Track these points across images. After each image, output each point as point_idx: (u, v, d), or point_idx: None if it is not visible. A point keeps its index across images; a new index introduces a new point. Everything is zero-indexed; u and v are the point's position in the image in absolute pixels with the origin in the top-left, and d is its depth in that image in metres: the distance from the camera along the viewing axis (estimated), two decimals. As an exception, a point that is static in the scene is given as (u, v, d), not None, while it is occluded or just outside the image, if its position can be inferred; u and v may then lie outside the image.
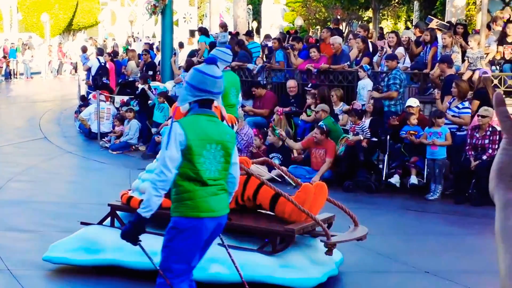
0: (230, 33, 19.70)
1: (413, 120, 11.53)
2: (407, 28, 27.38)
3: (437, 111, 11.65)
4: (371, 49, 15.36)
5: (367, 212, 9.83)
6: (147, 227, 6.68)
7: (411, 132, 11.49)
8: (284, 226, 6.46)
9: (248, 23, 31.86)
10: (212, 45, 19.27)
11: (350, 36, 15.85)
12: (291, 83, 14.58)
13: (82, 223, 7.52)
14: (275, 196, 6.67)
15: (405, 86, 13.16)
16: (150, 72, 19.27)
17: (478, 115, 11.02)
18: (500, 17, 16.45)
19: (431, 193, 11.13)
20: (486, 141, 10.86)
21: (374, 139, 11.86)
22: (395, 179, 11.38)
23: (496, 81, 12.23)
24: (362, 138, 11.76)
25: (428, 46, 14.60)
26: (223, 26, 20.03)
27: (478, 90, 11.66)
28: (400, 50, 14.57)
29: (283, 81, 15.10)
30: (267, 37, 19.81)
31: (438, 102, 12.26)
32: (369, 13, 33.35)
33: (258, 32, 35.84)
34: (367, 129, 11.86)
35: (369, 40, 15.98)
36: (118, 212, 7.26)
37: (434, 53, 14.13)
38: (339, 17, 23.99)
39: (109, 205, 7.28)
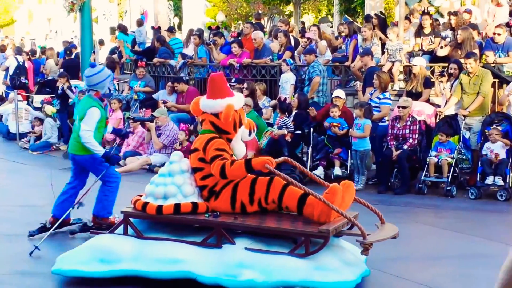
0: (152, 27, 19.54)
1: (336, 112, 11.63)
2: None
3: (362, 102, 11.78)
4: (293, 43, 15.45)
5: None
6: (167, 235, 6.45)
7: (334, 124, 11.60)
8: (318, 227, 6.03)
9: (170, 19, 31.57)
10: (133, 43, 19.09)
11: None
12: (214, 79, 14.50)
13: (91, 232, 7.22)
14: (303, 196, 6.26)
15: (327, 78, 13.30)
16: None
17: (398, 106, 11.22)
18: (417, 10, 16.81)
19: (355, 184, 11.25)
20: (407, 131, 11.06)
21: (298, 132, 11.92)
22: (319, 171, 11.47)
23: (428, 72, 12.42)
24: (286, 132, 11.80)
25: (348, 39, 14.80)
26: (139, 22, 19.86)
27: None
28: (323, 43, 14.71)
29: (205, 77, 15.03)
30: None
31: (359, 93, 12.44)
32: (291, 7, 33.57)
33: (180, 28, 35.57)
34: (291, 123, 11.91)
35: (290, 34, 16.08)
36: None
37: (355, 45, 14.32)
38: (260, 11, 23.99)
39: (122, 212, 6.73)
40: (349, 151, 11.51)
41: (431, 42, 13.79)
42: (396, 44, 13.41)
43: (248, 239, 6.26)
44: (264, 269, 5.89)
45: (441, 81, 11.93)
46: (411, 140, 10.98)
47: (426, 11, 15.37)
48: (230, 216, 6.39)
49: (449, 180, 10.56)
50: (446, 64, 12.30)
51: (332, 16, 28.50)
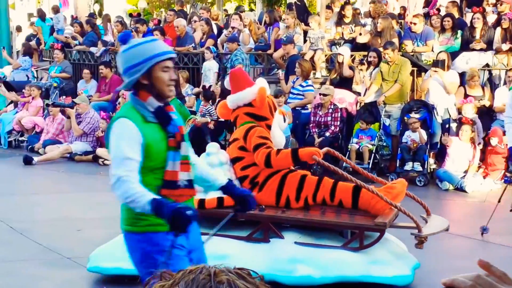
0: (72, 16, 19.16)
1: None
2: (251, 10, 27.68)
3: (278, 90, 11.87)
4: (215, 31, 15.41)
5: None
6: (207, 229, 6.13)
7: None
8: (372, 220, 5.74)
9: (89, 5, 31.00)
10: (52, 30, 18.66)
11: (194, 18, 15.81)
12: (136, 66, 14.34)
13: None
14: (356, 188, 5.92)
15: (249, 66, 13.34)
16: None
17: (320, 94, 11.36)
18: (338, -1, 16.99)
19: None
20: (329, 118, 11.21)
21: (222, 120, 11.90)
22: (243, 159, 11.49)
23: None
24: (209, 120, 11.77)
25: (271, 27, 14.87)
26: (55, 9, 19.45)
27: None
28: (246, 32, 14.73)
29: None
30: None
31: (282, 82, 12.52)
32: (213, -5, 33.44)
33: (100, 15, 34.96)
34: (214, 110, 11.89)
35: (214, 22, 16.05)
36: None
37: (277, 33, 14.39)
38: (182, -1, 23.82)
39: None
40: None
41: (352, 30, 14.00)
42: (318, 32, 13.55)
43: (296, 233, 6.00)
44: (318, 264, 5.64)
45: (361, 69, 12.13)
46: (333, 128, 11.15)
47: (347, 0, 15.58)
48: (275, 210, 6.08)
49: (369, 166, 10.76)
50: (366, 53, 12.51)
51: (255, 5, 28.53)
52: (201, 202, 5.92)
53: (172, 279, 1.23)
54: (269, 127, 6.19)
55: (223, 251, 5.76)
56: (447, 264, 6.48)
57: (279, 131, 6.28)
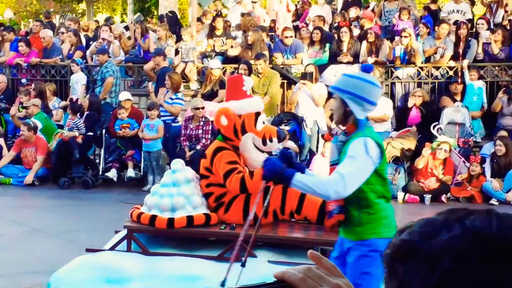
0: None
1: (123, 113, 11.47)
2: (123, 21, 27.29)
3: (151, 103, 11.71)
4: (84, 43, 15.04)
5: (84, 208, 9.64)
6: (176, 249, 5.71)
7: (124, 125, 11.43)
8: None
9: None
10: None
11: (62, 29, 15.36)
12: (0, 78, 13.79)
13: (87, 250, 6.19)
14: (323, 205, 5.69)
15: (120, 78, 13.11)
16: None
17: (191, 108, 11.28)
18: (210, 11, 17.03)
19: (149, 185, 11.17)
20: (200, 131, 11.15)
21: (90, 133, 11.61)
22: (112, 173, 11.27)
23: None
24: (77, 134, 11.44)
25: (142, 39, 14.67)
26: None
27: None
28: (117, 44, 14.45)
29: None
30: None
31: (152, 95, 12.33)
32: (83, 6, 32.75)
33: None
34: (82, 124, 11.56)
35: (84, 33, 15.68)
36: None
37: (149, 45, 14.22)
38: (51, 9, 23.19)
39: (125, 227, 5.96)
40: (142, 152, 11.41)
41: (223, 43, 14.03)
42: (189, 44, 13.50)
43: (269, 252, 5.86)
44: None
45: (232, 82, 12.13)
46: (204, 141, 11.09)
47: (219, 13, 15.62)
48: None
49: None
50: (237, 65, 12.55)
51: (127, 15, 28.16)
52: (190, 219, 5.74)
53: None
54: (236, 148, 5.93)
55: (195, 272, 5.62)
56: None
57: (252, 154, 5.94)
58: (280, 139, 6.06)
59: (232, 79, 6.29)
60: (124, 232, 6.06)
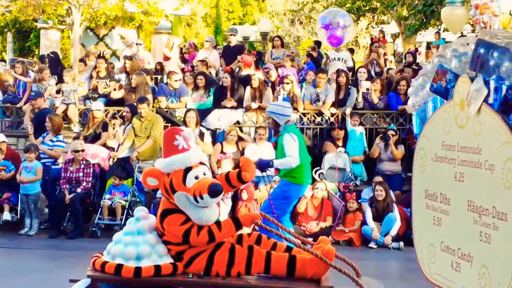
0: None
1: (-1, 156, 11.15)
2: (3, 60, 26.48)
3: (29, 145, 11.37)
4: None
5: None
6: None
7: (-1, 168, 11.09)
8: (318, 285, 5.43)
9: None
10: None
11: None
12: None
13: (71, 280, 5.55)
14: (291, 258, 5.53)
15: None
16: None
17: (71, 150, 11.06)
18: (93, 52, 16.84)
19: (27, 229, 10.82)
20: (80, 174, 10.93)
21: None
22: (-14, 217, 10.82)
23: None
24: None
25: (22, 82, 14.34)
26: None
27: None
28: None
29: None
30: None
31: (31, 136, 11.94)
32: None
33: None
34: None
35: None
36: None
37: (28, 86, 13.89)
38: None
39: (89, 276, 5.48)
40: (19, 194, 11.02)
41: (107, 85, 13.87)
42: (71, 86, 13.27)
43: None
44: None
45: (114, 124, 11.96)
46: (84, 183, 10.88)
47: (102, 54, 15.45)
48: (214, 277, 5.55)
49: (122, 222, 10.56)
50: (120, 108, 12.42)
51: (6, 54, 27.39)
52: (157, 268, 5.44)
53: None
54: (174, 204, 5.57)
55: None
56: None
57: (194, 210, 5.51)
58: (215, 194, 5.48)
59: (166, 134, 5.81)
60: (85, 282, 5.71)
